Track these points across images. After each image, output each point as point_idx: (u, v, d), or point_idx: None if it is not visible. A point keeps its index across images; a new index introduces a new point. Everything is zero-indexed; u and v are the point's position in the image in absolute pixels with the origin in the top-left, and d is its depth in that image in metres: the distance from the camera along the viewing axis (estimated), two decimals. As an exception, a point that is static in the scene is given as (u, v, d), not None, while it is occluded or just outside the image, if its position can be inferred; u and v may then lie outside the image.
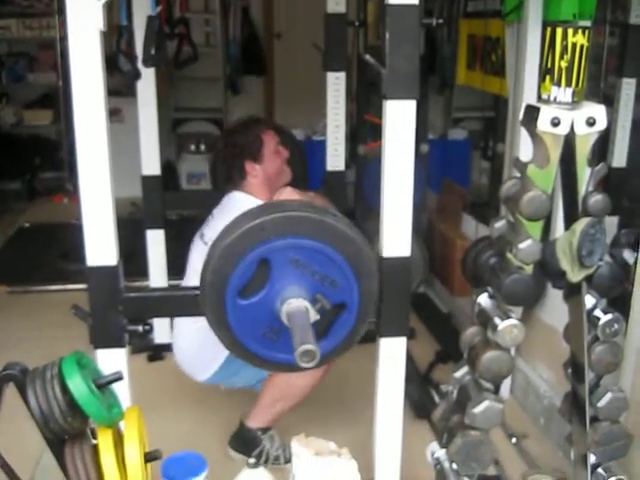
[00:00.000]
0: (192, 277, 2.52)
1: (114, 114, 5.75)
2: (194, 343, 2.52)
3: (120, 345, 1.91)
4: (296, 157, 2.74)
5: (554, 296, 2.25)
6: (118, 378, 1.61)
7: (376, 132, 1.90)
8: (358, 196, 4.00)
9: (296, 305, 1.66)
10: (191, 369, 2.60)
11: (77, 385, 1.49)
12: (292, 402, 2.46)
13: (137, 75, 2.69)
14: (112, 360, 1.89)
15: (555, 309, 2.45)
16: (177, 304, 2.03)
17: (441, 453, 1.96)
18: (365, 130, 4.01)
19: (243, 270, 1.69)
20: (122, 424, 1.65)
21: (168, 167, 6.28)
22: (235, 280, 1.70)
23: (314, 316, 1.68)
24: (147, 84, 3.06)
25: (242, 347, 1.78)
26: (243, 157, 2.58)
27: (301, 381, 2.42)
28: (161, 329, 3.35)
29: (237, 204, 2.52)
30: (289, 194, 2.50)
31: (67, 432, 1.54)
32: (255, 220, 1.70)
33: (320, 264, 1.71)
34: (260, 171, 2.59)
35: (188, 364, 2.60)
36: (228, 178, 2.62)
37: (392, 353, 2.10)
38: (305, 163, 3.18)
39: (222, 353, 2.43)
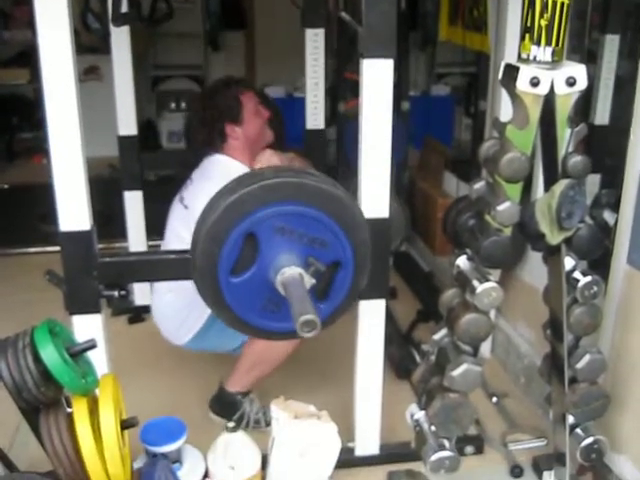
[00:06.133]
0: (172, 240, 2.49)
1: (91, 72, 5.65)
2: (173, 305, 2.50)
3: (96, 311, 1.88)
4: (273, 117, 2.69)
5: (535, 256, 2.23)
6: (92, 346, 1.59)
7: (357, 89, 1.86)
8: (339, 154, 3.96)
9: (290, 274, 1.64)
10: (169, 332, 2.57)
11: (49, 354, 1.48)
12: (271, 366, 2.44)
13: (106, 34, 2.63)
14: (88, 326, 1.86)
15: (536, 269, 2.44)
16: (154, 268, 1.99)
17: (420, 415, 1.96)
18: (345, 87, 3.91)
19: (230, 248, 1.69)
20: (98, 392, 1.64)
21: (149, 126, 6.21)
22: (224, 260, 1.69)
23: (310, 281, 1.66)
24: (121, 42, 2.93)
25: (244, 323, 1.79)
26: (223, 120, 2.53)
27: (281, 344, 2.40)
28: (141, 291, 3.32)
29: (218, 167, 2.49)
30: (269, 157, 2.48)
31: (41, 401, 1.53)
32: (233, 195, 1.69)
33: (306, 227, 1.70)
34: (241, 133, 2.54)
35: (166, 327, 2.58)
36: (208, 141, 2.57)
37: (372, 315, 2.09)
38: (282, 123, 3.13)
39: (201, 318, 2.42)
